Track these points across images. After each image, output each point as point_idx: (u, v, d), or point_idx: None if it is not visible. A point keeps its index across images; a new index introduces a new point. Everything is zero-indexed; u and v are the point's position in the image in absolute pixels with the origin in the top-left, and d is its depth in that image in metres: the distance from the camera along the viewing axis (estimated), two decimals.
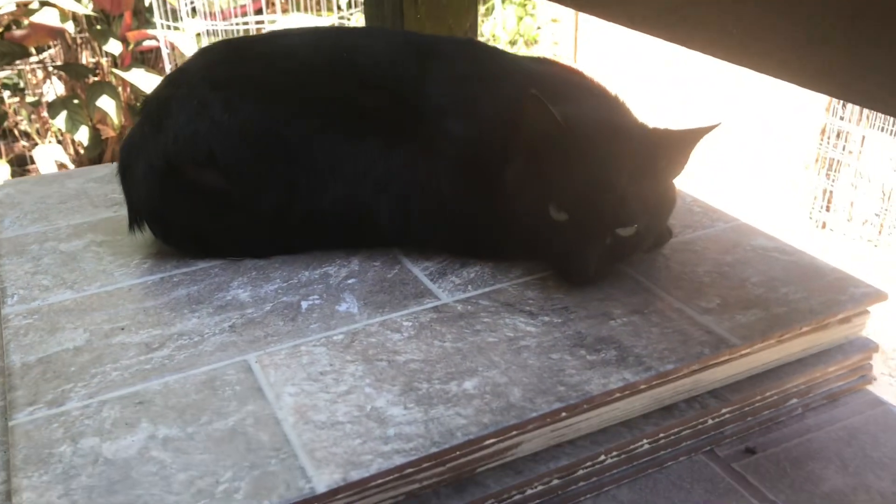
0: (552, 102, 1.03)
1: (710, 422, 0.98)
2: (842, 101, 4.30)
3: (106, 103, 4.19)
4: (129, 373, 0.93)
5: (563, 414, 0.88)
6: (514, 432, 0.85)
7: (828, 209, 4.76)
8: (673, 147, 1.06)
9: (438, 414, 0.86)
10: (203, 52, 1.22)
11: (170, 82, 1.17)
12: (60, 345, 0.98)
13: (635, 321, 1.01)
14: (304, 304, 1.05)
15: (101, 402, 0.88)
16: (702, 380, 0.97)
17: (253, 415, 0.86)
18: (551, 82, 1.17)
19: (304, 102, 1.13)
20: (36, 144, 4.62)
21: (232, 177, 1.11)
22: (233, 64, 1.18)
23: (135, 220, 1.16)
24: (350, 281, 1.11)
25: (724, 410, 0.98)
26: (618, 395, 0.90)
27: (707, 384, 0.97)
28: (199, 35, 4.50)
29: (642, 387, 0.92)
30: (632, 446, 0.93)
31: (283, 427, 0.84)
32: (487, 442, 0.84)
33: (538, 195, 1.05)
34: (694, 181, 1.38)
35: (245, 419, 0.85)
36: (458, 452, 0.83)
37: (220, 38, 4.43)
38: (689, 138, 1.06)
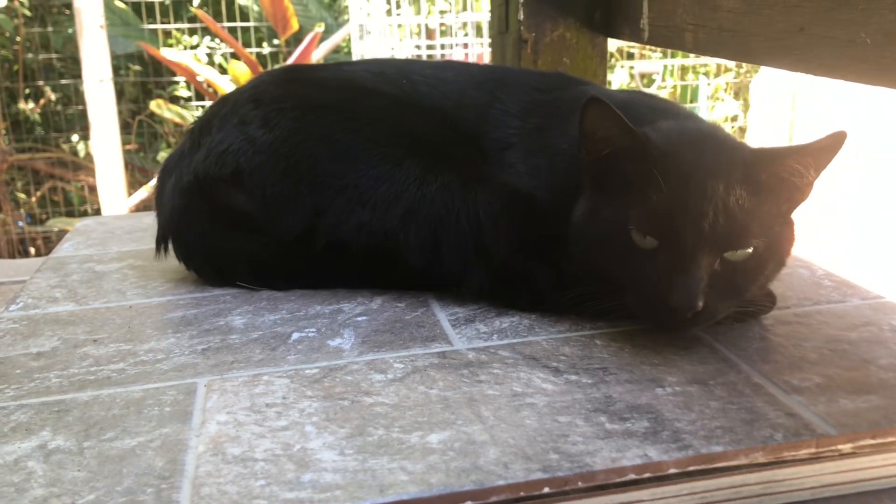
0: (634, 124, 0.84)
1: None
2: None
3: None
4: (70, 381, 0.81)
5: (546, 489, 0.63)
6: (469, 503, 0.62)
7: None
8: (776, 161, 0.82)
9: (378, 465, 0.65)
10: (261, 75, 1.16)
11: (218, 101, 1.11)
12: (26, 349, 0.89)
13: (691, 392, 0.75)
14: (296, 336, 0.90)
15: (19, 406, 0.76)
16: (777, 481, 0.68)
17: (163, 438, 0.70)
18: (636, 109, 0.97)
19: (344, 122, 1.02)
20: None
21: (256, 195, 1.01)
22: (284, 84, 1.09)
23: (162, 241, 1.08)
24: (360, 318, 0.94)
25: None
26: (632, 475, 0.65)
27: (787, 489, 0.68)
28: None
29: (672, 471, 0.65)
30: None
31: (186, 455, 0.67)
32: None
33: (615, 222, 0.83)
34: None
35: (152, 441, 0.70)
36: None
37: None
38: (793, 154, 0.81)
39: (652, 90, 5.25)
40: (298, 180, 1.00)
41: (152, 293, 1.05)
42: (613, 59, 5.60)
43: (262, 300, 1.00)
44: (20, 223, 4.87)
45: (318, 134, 1.01)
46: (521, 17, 1.50)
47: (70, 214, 4.82)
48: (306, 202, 0.99)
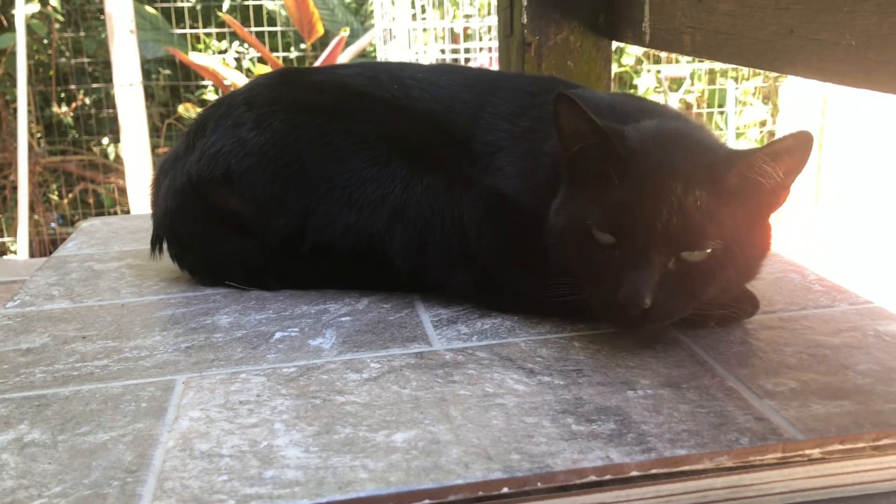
0: (616, 124, 0.84)
1: None
2: None
3: None
4: (54, 377, 0.83)
5: (505, 489, 0.64)
6: (427, 501, 0.63)
7: None
8: (740, 162, 0.81)
9: (340, 463, 0.66)
10: (256, 78, 1.17)
11: (214, 104, 1.13)
12: (17, 345, 0.91)
13: (663, 395, 0.75)
14: (278, 335, 0.91)
15: (1, 399, 0.78)
16: (745, 486, 0.67)
17: (136, 433, 0.71)
18: (622, 109, 0.97)
19: (334, 124, 1.03)
20: None
21: (247, 197, 1.02)
22: (278, 87, 1.11)
23: (156, 241, 1.10)
24: (344, 319, 0.95)
25: None
26: (593, 477, 0.65)
27: (755, 494, 0.68)
28: None
29: (633, 474, 0.65)
30: None
31: (156, 450, 0.69)
32: None
33: (578, 215, 0.84)
34: None
35: (124, 436, 0.71)
36: None
37: None
38: (756, 154, 0.80)
39: (679, 94, 5.21)
40: (288, 182, 1.01)
41: (146, 292, 1.06)
42: (641, 64, 5.57)
43: (251, 300, 1.01)
44: (52, 224, 4.97)
45: (308, 136, 1.02)
46: (525, 20, 1.50)
47: (100, 216, 4.90)
48: (295, 204, 1.01)
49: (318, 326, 0.93)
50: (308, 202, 1.00)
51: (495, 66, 4.24)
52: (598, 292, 0.82)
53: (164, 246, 1.09)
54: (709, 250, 0.79)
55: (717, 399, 0.74)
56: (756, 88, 5.96)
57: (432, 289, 0.99)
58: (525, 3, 1.50)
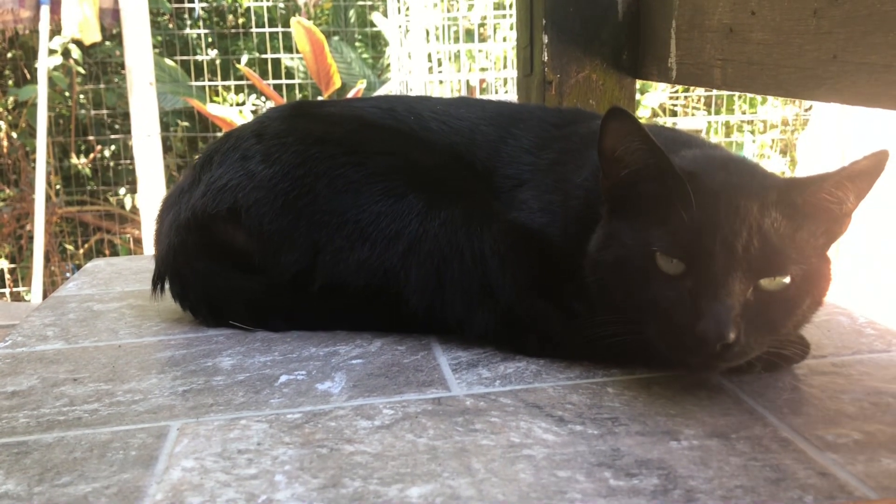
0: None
1: None
2: None
3: None
4: (38, 421, 0.76)
5: None
6: None
7: None
8: (813, 186, 0.74)
9: None
10: (267, 111, 1.12)
11: (222, 137, 1.08)
12: (2, 388, 0.84)
13: (710, 446, 0.67)
14: (284, 378, 0.84)
15: None
16: None
17: (121, 484, 0.64)
18: (658, 136, 0.91)
19: (347, 156, 0.97)
20: None
21: (253, 232, 0.96)
22: (289, 119, 1.05)
23: (158, 279, 1.03)
24: (355, 361, 0.87)
25: None
26: None
27: None
28: None
29: None
30: None
31: (142, 503, 0.61)
32: None
33: (636, 244, 0.76)
34: None
35: (108, 488, 0.64)
36: None
37: None
38: (831, 178, 0.74)
39: None
40: (297, 216, 0.95)
41: (145, 333, 1.00)
42: (657, 116, 5.55)
43: (256, 341, 0.95)
44: (67, 274, 4.95)
45: (320, 168, 0.96)
46: (546, 58, 1.45)
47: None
48: (305, 239, 0.94)
49: (327, 370, 0.85)
50: (319, 237, 0.94)
51: None
52: (670, 329, 0.73)
53: (167, 285, 1.03)
54: (788, 278, 0.72)
55: (771, 451, 0.65)
56: (773, 141, 5.93)
57: (450, 330, 0.92)
58: (546, 40, 1.46)
